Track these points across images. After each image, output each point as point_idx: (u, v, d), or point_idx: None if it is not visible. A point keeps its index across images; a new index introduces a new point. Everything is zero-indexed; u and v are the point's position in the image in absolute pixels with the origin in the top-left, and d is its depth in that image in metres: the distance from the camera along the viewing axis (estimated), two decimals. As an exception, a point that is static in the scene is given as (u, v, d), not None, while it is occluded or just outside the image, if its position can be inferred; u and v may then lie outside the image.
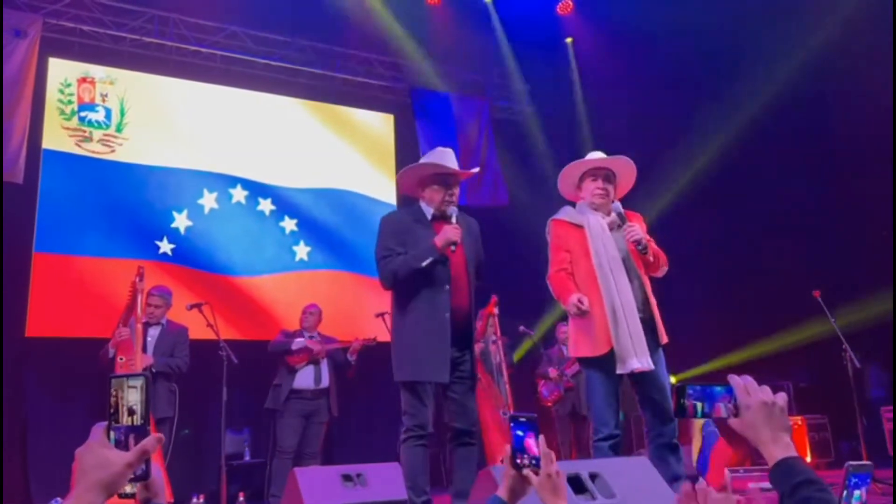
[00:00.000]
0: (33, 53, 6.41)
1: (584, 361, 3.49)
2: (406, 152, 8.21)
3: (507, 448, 1.53)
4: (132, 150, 6.91)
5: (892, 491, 3.84)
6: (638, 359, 3.31)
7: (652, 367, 3.34)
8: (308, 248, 7.55)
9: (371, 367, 6.34)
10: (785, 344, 7.00)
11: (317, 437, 5.69)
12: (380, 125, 8.40)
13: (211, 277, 6.96)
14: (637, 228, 3.48)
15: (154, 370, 4.96)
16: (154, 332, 5.19)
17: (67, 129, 6.67)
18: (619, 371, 3.32)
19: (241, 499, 5.28)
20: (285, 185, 7.59)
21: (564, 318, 5.80)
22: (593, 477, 2.52)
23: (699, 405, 1.29)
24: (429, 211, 3.53)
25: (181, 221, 6.99)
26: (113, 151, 6.84)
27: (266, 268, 7.29)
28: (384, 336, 5.84)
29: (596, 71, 8.58)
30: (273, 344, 5.83)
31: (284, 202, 7.55)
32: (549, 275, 3.58)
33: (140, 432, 1.12)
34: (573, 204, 3.74)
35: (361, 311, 7.12)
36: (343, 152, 8.01)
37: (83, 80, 6.84)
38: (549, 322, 7.49)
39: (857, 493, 1.36)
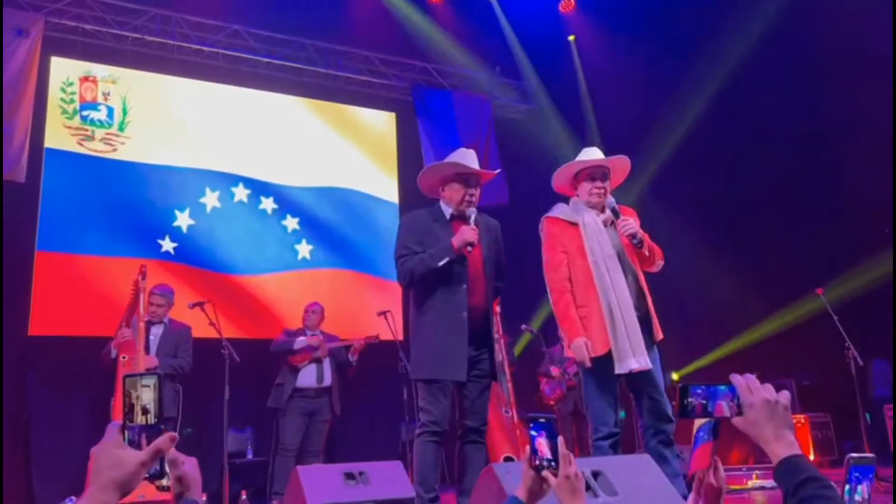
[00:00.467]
0: (35, 52, 6.42)
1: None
2: (408, 151, 8.21)
3: (527, 449, 1.52)
4: (134, 148, 6.91)
5: (892, 489, 3.81)
6: (636, 358, 3.31)
7: (650, 366, 3.33)
8: (310, 247, 7.56)
9: (373, 365, 6.35)
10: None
11: (319, 435, 5.70)
12: (382, 123, 8.40)
13: (213, 276, 6.96)
14: (631, 222, 3.47)
15: (158, 371, 4.97)
16: (157, 331, 5.20)
17: (69, 127, 6.68)
18: (617, 371, 3.32)
19: (244, 497, 5.28)
20: (287, 184, 7.59)
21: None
22: (596, 475, 2.52)
23: (702, 405, 1.29)
24: (447, 210, 3.56)
25: (183, 220, 6.99)
26: (115, 150, 6.84)
27: (268, 266, 7.29)
28: (386, 334, 5.86)
29: (599, 67, 8.56)
30: (275, 344, 5.84)
31: (286, 201, 7.55)
32: (550, 278, 3.54)
33: (153, 431, 1.13)
34: (566, 200, 3.72)
35: (364, 309, 7.13)
36: (345, 151, 8.01)
37: (85, 78, 6.84)
38: (545, 313, 7.52)
39: (859, 487, 1.35)
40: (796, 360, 7.23)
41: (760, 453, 6.47)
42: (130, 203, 6.77)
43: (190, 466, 1.28)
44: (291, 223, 7.53)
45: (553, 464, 1.49)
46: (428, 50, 8.34)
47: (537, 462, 1.50)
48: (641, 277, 3.52)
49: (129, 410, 1.14)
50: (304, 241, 7.54)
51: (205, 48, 7.40)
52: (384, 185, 8.11)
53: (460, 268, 3.40)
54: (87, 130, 6.75)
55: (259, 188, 7.44)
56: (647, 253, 3.51)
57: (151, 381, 1.16)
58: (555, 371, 6.50)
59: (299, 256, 7.50)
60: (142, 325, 4.87)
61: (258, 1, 7.51)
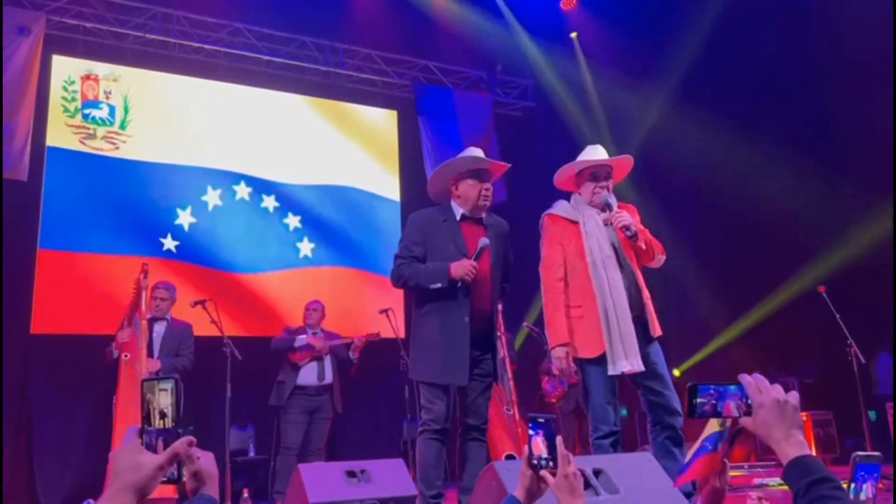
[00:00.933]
0: (37, 51, 6.42)
1: (580, 362, 3.47)
2: (410, 148, 8.21)
3: (525, 448, 1.53)
4: (136, 147, 6.92)
5: (892, 486, 3.79)
6: (628, 360, 3.29)
7: (642, 368, 3.31)
8: (312, 245, 7.56)
9: (375, 363, 6.36)
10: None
11: (321, 433, 5.70)
12: (383, 121, 8.39)
13: (215, 274, 6.97)
14: (625, 214, 3.43)
15: (162, 374, 4.99)
16: (160, 329, 5.19)
17: (71, 126, 6.68)
18: (610, 373, 3.31)
19: (246, 495, 5.28)
20: (289, 182, 7.59)
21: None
22: (597, 473, 2.52)
23: (712, 405, 1.28)
24: (458, 211, 3.54)
25: (185, 218, 6.99)
26: (117, 149, 6.84)
27: (270, 264, 7.29)
28: (388, 332, 5.86)
29: (602, 64, 8.55)
30: (276, 342, 5.84)
31: (288, 199, 7.55)
32: (545, 277, 3.52)
33: (171, 435, 1.14)
34: (567, 197, 3.70)
35: (365, 307, 7.13)
36: (346, 149, 8.01)
37: (87, 77, 6.85)
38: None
39: (864, 486, 1.35)
40: (798, 358, 7.23)
41: (762, 452, 6.48)
42: (132, 201, 6.78)
43: (206, 461, 1.29)
44: (293, 221, 7.53)
45: (551, 463, 1.50)
46: (429, 46, 8.33)
47: (535, 461, 1.51)
48: (639, 275, 3.51)
49: (146, 415, 1.16)
50: (305, 239, 7.54)
51: (206, 46, 7.40)
52: (386, 183, 8.11)
53: None
54: (88, 129, 6.75)
55: (261, 186, 7.44)
56: (643, 246, 3.48)
57: (169, 385, 1.17)
58: (556, 369, 6.49)
59: (301, 254, 7.50)
60: (144, 323, 4.87)
61: (259, -1, 7.52)
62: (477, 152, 3.61)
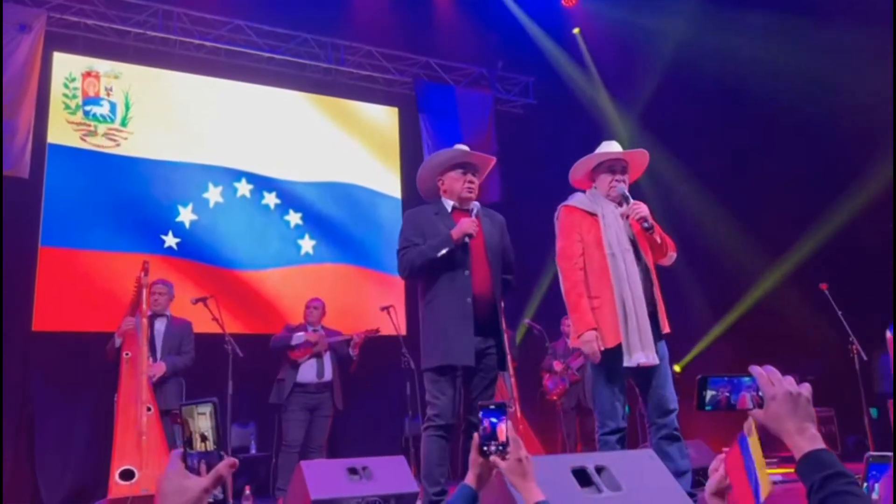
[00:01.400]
0: (38, 48, 6.41)
1: None
2: (411, 145, 8.20)
3: (476, 437, 1.58)
4: (137, 144, 6.91)
5: (892, 483, 3.79)
6: (644, 352, 3.29)
7: (657, 361, 3.32)
8: (313, 242, 7.56)
9: (376, 360, 6.35)
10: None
11: (322, 430, 5.70)
12: (384, 118, 8.38)
13: (216, 271, 6.96)
14: (642, 206, 3.45)
15: (167, 376, 5.01)
16: (160, 327, 5.19)
17: (72, 123, 6.68)
18: (626, 364, 3.29)
19: (248, 492, 5.28)
20: (290, 179, 7.58)
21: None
22: (599, 470, 2.51)
23: (725, 396, 1.26)
24: (449, 204, 3.63)
25: (186, 215, 6.99)
26: (118, 146, 6.84)
27: (271, 262, 7.29)
28: (389, 329, 5.85)
29: (604, 61, 8.53)
30: (275, 340, 5.84)
31: (289, 196, 7.54)
32: (564, 267, 3.50)
33: (212, 458, 1.16)
34: (570, 191, 3.71)
35: (367, 304, 7.13)
36: (347, 146, 8.00)
37: (88, 74, 6.84)
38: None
39: (876, 486, 1.33)
40: (800, 355, 7.21)
41: (769, 445, 6.47)
42: (133, 198, 6.77)
43: (224, 467, 1.29)
44: (294, 218, 7.53)
45: (502, 448, 1.54)
46: (430, 43, 8.31)
47: (485, 447, 1.55)
48: (653, 270, 3.51)
49: (188, 438, 1.18)
50: (306, 237, 7.54)
51: (207, 43, 7.39)
52: (387, 180, 8.10)
53: (462, 255, 3.44)
54: (89, 126, 6.75)
55: (262, 183, 7.43)
56: (658, 240, 3.49)
57: (207, 409, 1.19)
58: (557, 366, 6.49)
59: (302, 252, 7.50)
60: (144, 320, 4.87)
61: (260, -4, 7.51)
62: (463, 147, 3.69)
